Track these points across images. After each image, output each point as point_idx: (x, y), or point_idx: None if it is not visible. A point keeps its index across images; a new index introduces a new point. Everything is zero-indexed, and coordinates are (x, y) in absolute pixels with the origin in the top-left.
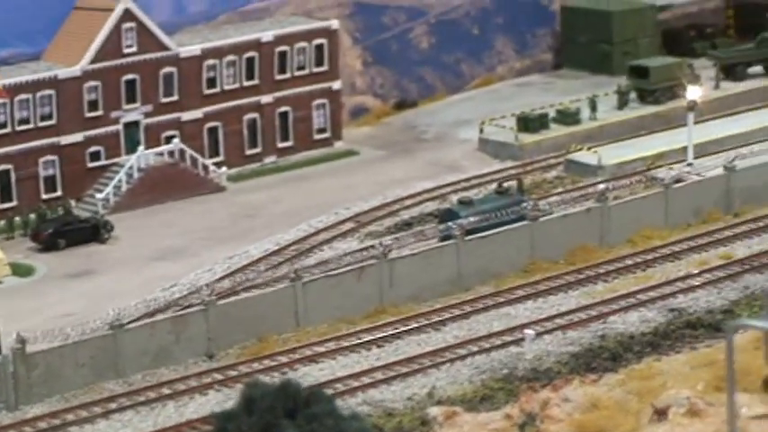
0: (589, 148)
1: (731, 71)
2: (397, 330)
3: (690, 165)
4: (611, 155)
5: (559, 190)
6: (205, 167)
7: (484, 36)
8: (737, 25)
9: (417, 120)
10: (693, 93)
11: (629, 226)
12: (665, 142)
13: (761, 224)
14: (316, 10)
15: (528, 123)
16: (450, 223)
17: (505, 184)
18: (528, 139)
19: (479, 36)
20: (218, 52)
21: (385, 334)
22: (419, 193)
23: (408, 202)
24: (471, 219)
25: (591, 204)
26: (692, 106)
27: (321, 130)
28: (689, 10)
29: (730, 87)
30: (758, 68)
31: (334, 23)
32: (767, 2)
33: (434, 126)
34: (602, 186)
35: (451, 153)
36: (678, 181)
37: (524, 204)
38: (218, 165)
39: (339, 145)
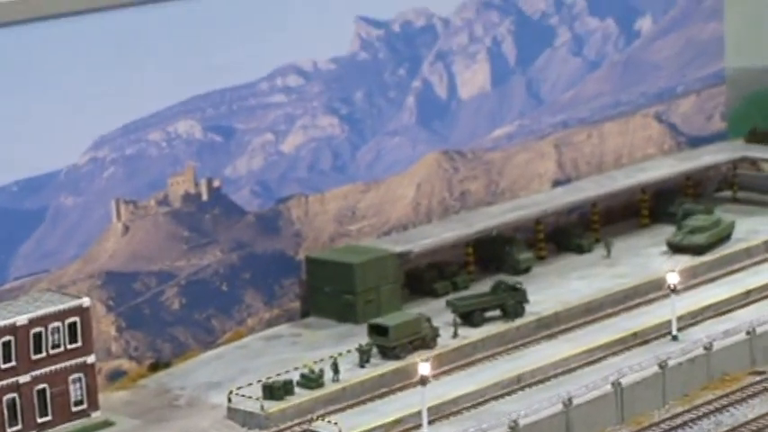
0: (325, 418)
1: (468, 318)
2: None
3: None
4: (352, 424)
5: None
6: None
7: (233, 291)
8: (478, 260)
9: (171, 382)
10: (423, 368)
11: None
12: (403, 405)
13: None
14: (69, 284)
15: (273, 391)
16: None
17: None
18: (273, 407)
19: (228, 292)
20: None
21: None
22: None
23: None
24: None
25: None
26: (425, 381)
27: (78, 403)
28: (436, 245)
29: (469, 334)
30: (496, 312)
31: (86, 301)
32: (505, 236)
33: (187, 389)
34: None
35: (203, 421)
36: None
37: None
38: None
39: (96, 415)
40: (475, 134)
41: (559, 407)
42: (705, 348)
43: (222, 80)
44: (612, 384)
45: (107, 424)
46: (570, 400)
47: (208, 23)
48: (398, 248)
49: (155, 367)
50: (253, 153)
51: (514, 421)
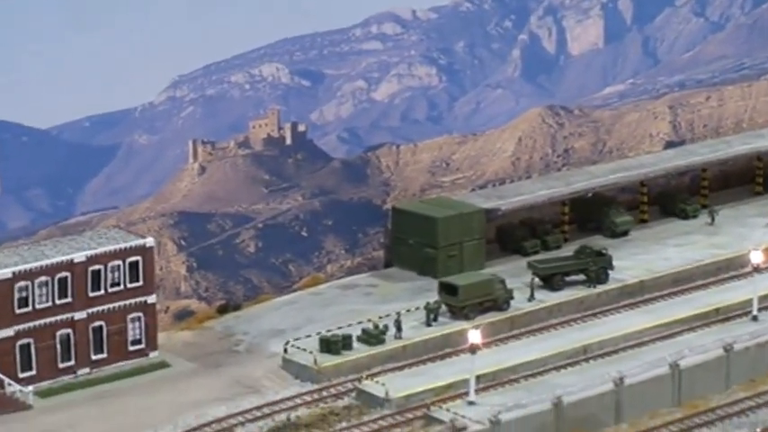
0: (373, 378)
1: (549, 281)
2: None
3: (471, 403)
4: (400, 385)
5: (343, 425)
6: (10, 385)
7: (313, 237)
8: (575, 220)
9: (237, 326)
10: (474, 336)
11: None
12: (461, 369)
13: None
14: (139, 221)
15: (330, 345)
16: None
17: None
18: (328, 361)
19: (308, 237)
20: (30, 274)
21: None
22: (208, 423)
23: None
24: None
25: None
26: (475, 349)
27: (136, 342)
28: (528, 203)
29: (546, 298)
30: (579, 277)
31: (150, 241)
32: (604, 197)
33: (250, 335)
34: None
35: (257, 370)
36: (456, 428)
37: None
38: (29, 380)
39: (154, 355)
40: (584, 91)
41: (610, 385)
42: None
43: (313, 24)
44: (670, 366)
45: (162, 365)
46: (622, 379)
47: None
48: (486, 204)
49: (224, 309)
50: (342, 99)
51: (558, 398)
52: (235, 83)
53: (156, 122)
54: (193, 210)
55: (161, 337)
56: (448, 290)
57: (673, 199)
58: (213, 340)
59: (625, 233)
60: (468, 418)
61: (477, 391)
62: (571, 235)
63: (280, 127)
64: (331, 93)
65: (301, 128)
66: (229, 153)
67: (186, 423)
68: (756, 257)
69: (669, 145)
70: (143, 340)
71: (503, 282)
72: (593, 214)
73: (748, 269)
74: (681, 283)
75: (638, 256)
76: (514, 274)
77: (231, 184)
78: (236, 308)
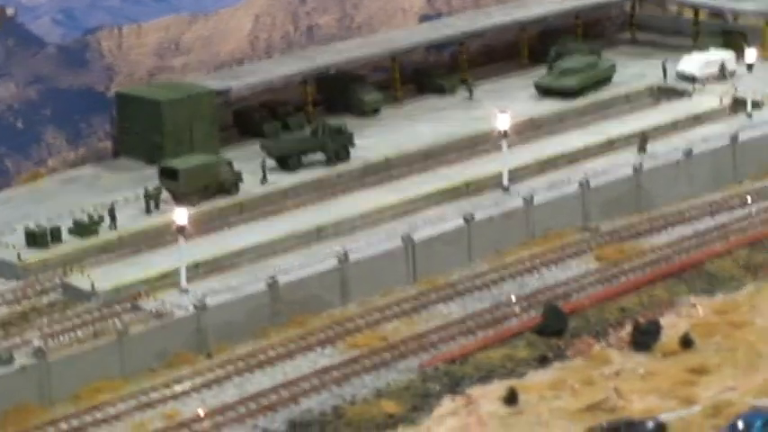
0: (81, 271)
1: (284, 162)
2: None
3: (184, 291)
4: (110, 277)
5: (44, 321)
6: None
7: (30, 129)
8: (322, 101)
9: None
10: (180, 217)
11: (75, 381)
12: (174, 259)
13: (240, 366)
14: None
15: (36, 238)
16: None
17: None
18: (34, 257)
19: (24, 129)
20: None
21: None
22: None
23: None
24: None
25: (25, 361)
26: (182, 231)
27: None
28: (263, 83)
29: (280, 180)
30: (318, 157)
31: None
32: (350, 74)
33: None
34: (36, 343)
35: None
36: (159, 315)
37: None
38: None
39: None
40: None
41: (333, 263)
42: (524, 201)
43: None
44: (403, 239)
45: None
46: (346, 255)
47: None
48: (216, 85)
49: None
50: None
51: (273, 278)
52: None
53: None
54: None
55: None
56: (168, 174)
57: (429, 75)
58: None
59: (375, 111)
60: (176, 306)
61: (193, 279)
62: (317, 116)
63: None
64: None
65: (9, 11)
66: None
67: None
68: (503, 122)
69: (425, 19)
70: None
71: (230, 164)
72: (341, 94)
73: (511, 141)
74: (432, 159)
75: (387, 135)
76: (252, 158)
77: None
78: None
